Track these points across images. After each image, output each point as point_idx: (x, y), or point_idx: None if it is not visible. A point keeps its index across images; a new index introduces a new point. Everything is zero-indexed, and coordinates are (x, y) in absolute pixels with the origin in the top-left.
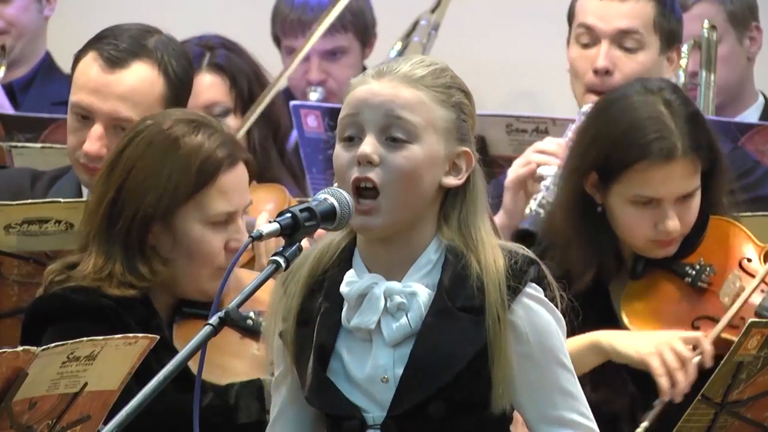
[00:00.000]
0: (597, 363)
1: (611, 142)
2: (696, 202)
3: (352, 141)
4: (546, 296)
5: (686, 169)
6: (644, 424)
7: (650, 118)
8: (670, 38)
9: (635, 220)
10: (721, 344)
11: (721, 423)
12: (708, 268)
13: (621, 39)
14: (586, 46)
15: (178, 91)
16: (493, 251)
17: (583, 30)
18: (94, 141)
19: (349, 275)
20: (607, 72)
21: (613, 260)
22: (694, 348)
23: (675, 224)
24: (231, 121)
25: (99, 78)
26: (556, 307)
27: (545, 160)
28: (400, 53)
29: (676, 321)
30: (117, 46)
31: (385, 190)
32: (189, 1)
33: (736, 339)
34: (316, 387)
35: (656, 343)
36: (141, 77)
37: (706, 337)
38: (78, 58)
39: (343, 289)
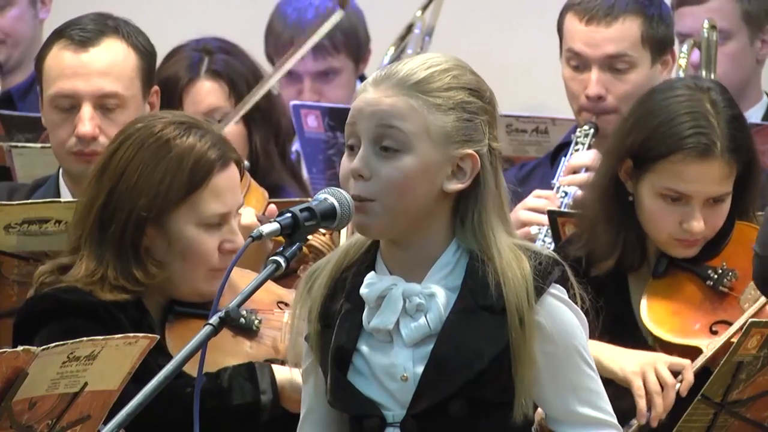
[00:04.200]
0: None
1: (651, 130)
2: (725, 207)
3: (353, 150)
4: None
5: (722, 171)
6: None
7: (693, 113)
8: (661, 47)
9: (662, 214)
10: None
11: (721, 423)
12: (730, 273)
13: (610, 63)
14: (576, 68)
15: (149, 62)
16: (513, 254)
17: (571, 54)
18: (87, 122)
19: (369, 277)
20: (599, 97)
21: (637, 250)
22: (676, 375)
23: (700, 226)
24: (232, 126)
25: (75, 60)
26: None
27: (536, 218)
28: (394, 59)
29: (695, 324)
30: (83, 28)
31: (379, 199)
32: (187, 2)
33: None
34: (335, 389)
35: (642, 363)
36: (115, 51)
37: (692, 366)
38: (42, 56)
39: (363, 290)
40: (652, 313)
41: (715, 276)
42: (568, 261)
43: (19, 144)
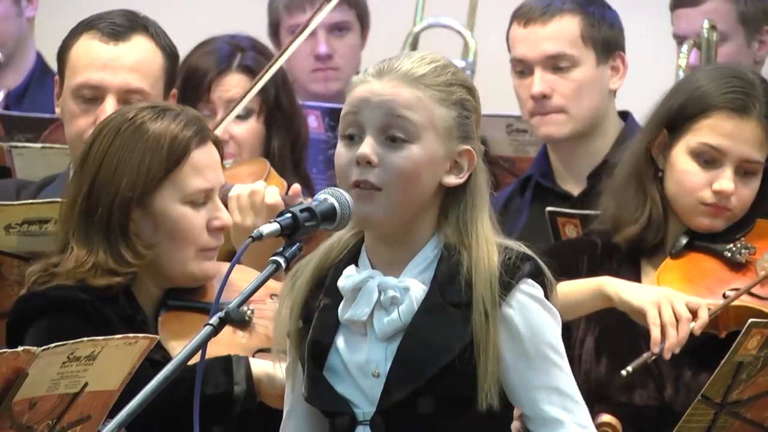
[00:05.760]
0: (598, 308)
1: (689, 93)
2: (755, 184)
3: (353, 140)
4: (546, 294)
5: (756, 133)
6: (628, 368)
7: (735, 77)
8: (606, 47)
9: (693, 176)
10: (742, 312)
11: (721, 423)
12: (749, 246)
13: (553, 63)
14: (521, 74)
15: (173, 64)
16: (487, 247)
17: (515, 61)
18: None
19: (348, 270)
20: (544, 96)
21: (661, 224)
22: (693, 314)
23: (731, 186)
24: (253, 124)
25: (105, 52)
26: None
27: None
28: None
29: (707, 290)
30: (114, 22)
31: (386, 188)
32: (184, 3)
33: (758, 308)
34: (310, 384)
35: (659, 295)
36: (144, 49)
37: (709, 309)
38: (67, 45)
39: (340, 282)
40: (663, 284)
41: (733, 248)
42: (591, 236)
43: (19, 144)
